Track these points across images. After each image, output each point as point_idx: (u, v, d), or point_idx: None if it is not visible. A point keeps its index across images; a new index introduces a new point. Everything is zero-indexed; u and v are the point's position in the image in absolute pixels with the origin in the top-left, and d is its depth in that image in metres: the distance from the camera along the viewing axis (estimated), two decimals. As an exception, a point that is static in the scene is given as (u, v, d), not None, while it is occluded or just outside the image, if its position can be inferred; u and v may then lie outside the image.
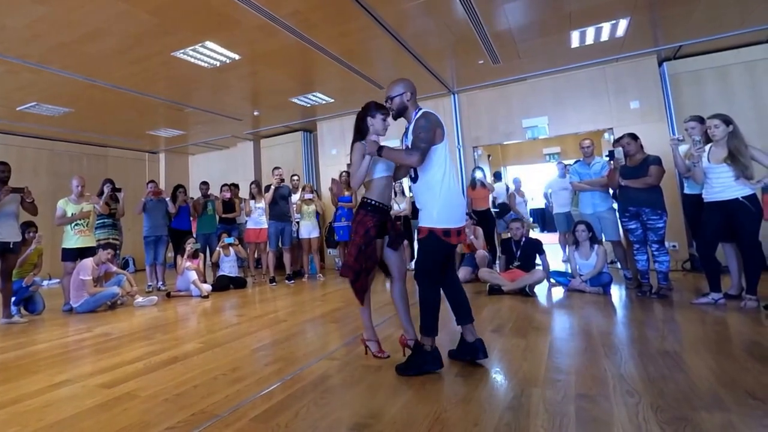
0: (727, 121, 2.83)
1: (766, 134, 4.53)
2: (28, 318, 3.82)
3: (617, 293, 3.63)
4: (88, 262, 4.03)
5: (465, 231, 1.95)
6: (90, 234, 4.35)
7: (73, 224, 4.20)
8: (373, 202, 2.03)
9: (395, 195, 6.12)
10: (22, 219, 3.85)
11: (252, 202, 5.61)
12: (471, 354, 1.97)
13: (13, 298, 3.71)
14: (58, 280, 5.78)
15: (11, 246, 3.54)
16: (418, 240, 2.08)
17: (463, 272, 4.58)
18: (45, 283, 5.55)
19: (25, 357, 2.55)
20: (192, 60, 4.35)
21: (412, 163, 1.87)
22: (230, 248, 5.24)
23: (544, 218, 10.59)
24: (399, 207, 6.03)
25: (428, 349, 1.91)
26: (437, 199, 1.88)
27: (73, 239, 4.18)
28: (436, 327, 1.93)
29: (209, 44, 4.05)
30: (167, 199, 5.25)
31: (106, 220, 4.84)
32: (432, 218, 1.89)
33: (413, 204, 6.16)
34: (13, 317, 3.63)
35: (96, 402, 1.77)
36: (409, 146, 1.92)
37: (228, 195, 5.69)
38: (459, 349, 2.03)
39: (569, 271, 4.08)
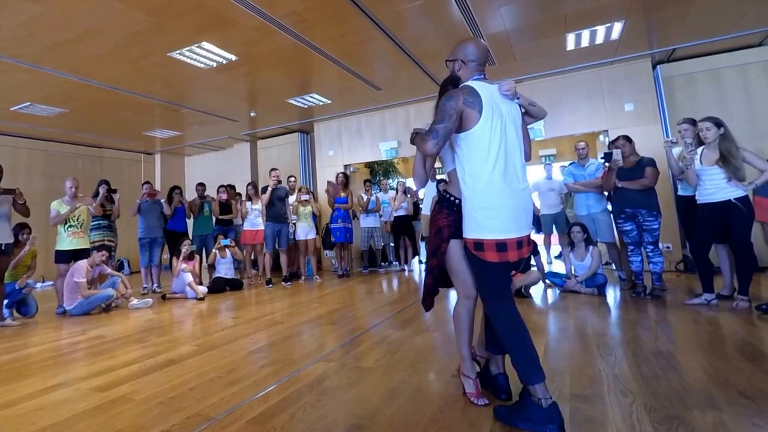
0: (718, 123, 2.86)
1: (759, 136, 4.59)
2: (21, 321, 3.78)
3: (612, 294, 3.65)
4: (82, 264, 4.00)
5: (518, 247, 1.47)
6: (84, 236, 4.32)
7: (66, 226, 4.17)
8: (451, 198, 1.61)
9: (396, 193, 6.14)
10: (17, 220, 3.82)
11: (248, 203, 5.60)
12: (491, 388, 1.63)
13: (5, 301, 3.67)
14: (51, 283, 5.73)
15: (3, 248, 3.51)
16: None
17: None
18: (38, 285, 5.50)
19: (18, 360, 2.53)
20: (188, 61, 4.34)
21: (425, 149, 1.49)
22: (227, 250, 5.22)
23: (538, 219, 10.64)
24: (400, 206, 6.05)
25: (540, 403, 1.34)
26: (468, 201, 1.49)
27: (67, 241, 4.15)
28: (539, 366, 1.39)
29: (206, 45, 4.04)
30: (162, 200, 5.23)
31: (101, 222, 4.80)
32: (465, 224, 1.51)
33: (414, 204, 6.18)
34: (6, 320, 3.60)
35: (90, 405, 1.75)
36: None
37: (225, 196, 5.67)
38: (482, 377, 1.69)
39: (562, 271, 4.11)
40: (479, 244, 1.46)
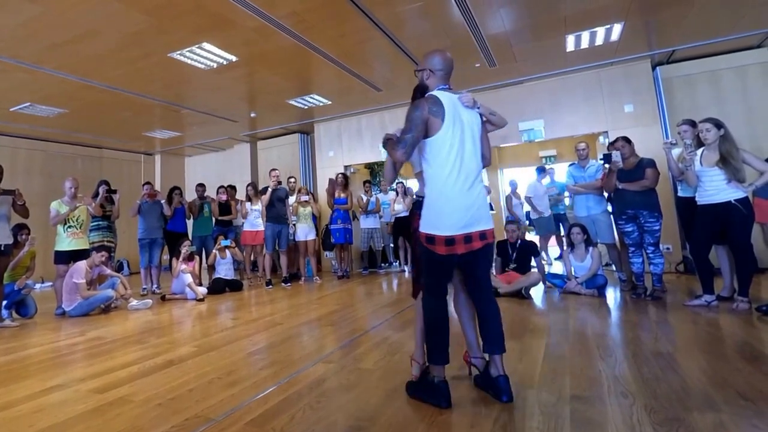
0: (718, 124, 2.86)
1: (756, 137, 4.60)
2: (20, 322, 3.77)
3: (612, 295, 3.65)
4: (82, 264, 3.99)
5: (466, 241, 1.59)
6: (83, 236, 4.31)
7: (66, 226, 4.16)
8: (421, 200, 1.74)
9: (397, 195, 6.14)
10: (16, 221, 3.81)
11: (248, 204, 5.59)
12: (492, 390, 1.66)
13: (4, 302, 3.66)
14: (50, 283, 5.72)
15: (2, 248, 3.50)
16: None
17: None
18: (37, 286, 5.49)
19: (16, 361, 2.52)
20: (188, 61, 4.34)
21: (395, 157, 1.63)
22: (226, 251, 5.21)
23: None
24: (397, 208, 6.04)
25: (434, 380, 1.61)
26: (426, 199, 1.66)
27: (66, 242, 4.14)
28: (444, 353, 1.62)
29: (206, 45, 4.04)
30: (163, 201, 5.22)
31: (100, 222, 4.80)
32: (422, 220, 1.66)
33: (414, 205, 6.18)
34: (5, 321, 3.59)
35: (88, 407, 1.75)
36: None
37: (224, 197, 5.67)
38: (483, 379, 1.73)
39: (562, 272, 4.11)
40: (431, 238, 1.60)
